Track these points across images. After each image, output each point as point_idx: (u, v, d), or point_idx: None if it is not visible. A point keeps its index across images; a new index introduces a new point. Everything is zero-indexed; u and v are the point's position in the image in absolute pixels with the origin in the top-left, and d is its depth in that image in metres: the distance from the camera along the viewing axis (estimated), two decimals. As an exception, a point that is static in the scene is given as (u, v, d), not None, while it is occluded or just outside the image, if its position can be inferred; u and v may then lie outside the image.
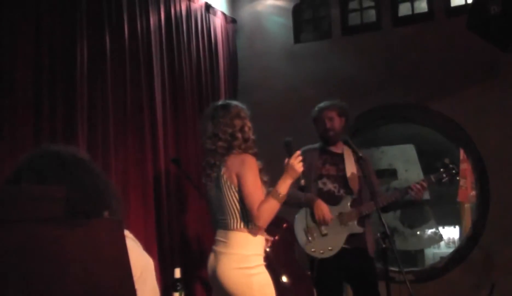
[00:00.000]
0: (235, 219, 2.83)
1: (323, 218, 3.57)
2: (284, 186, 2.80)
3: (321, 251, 3.59)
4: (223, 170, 2.86)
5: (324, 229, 3.60)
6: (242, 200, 2.80)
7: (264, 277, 2.83)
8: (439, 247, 7.47)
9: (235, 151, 2.88)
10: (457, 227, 7.65)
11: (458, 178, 3.48)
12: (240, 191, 2.80)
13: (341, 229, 3.62)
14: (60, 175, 1.42)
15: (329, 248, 3.59)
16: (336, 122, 3.75)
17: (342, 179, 3.70)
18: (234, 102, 3.07)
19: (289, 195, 3.65)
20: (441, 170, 3.69)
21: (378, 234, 3.40)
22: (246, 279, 2.74)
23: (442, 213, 7.34)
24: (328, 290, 3.63)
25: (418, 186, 3.57)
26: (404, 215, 7.27)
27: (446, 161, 3.71)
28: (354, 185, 3.69)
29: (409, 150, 7.25)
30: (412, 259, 7.09)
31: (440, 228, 7.44)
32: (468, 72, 4.93)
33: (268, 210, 2.75)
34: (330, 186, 3.70)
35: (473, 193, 5.92)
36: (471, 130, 4.92)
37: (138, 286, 1.46)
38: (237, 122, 2.92)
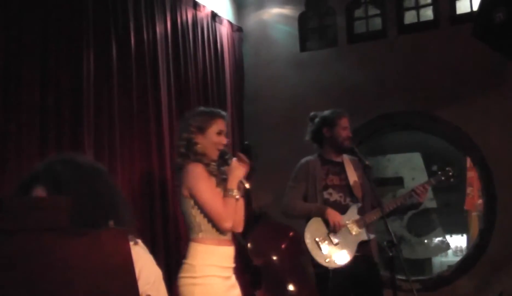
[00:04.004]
0: (191, 230, 2.87)
1: (337, 223, 3.57)
2: (234, 183, 2.84)
3: (335, 261, 3.59)
4: (180, 185, 2.86)
5: (335, 239, 3.61)
6: (195, 211, 2.82)
7: (210, 289, 2.77)
8: (446, 255, 7.43)
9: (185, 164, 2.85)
10: (465, 235, 7.60)
11: (452, 180, 3.84)
12: (197, 203, 2.81)
13: (351, 238, 3.63)
14: (75, 181, 1.44)
15: (342, 257, 3.60)
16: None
17: (346, 188, 3.72)
18: (198, 112, 2.97)
19: (297, 207, 3.73)
20: (439, 172, 3.83)
21: (385, 242, 3.39)
22: (188, 288, 2.78)
23: (449, 221, 7.31)
24: None
25: (421, 188, 3.66)
26: (411, 223, 7.24)
27: (447, 168, 3.85)
28: (358, 193, 3.73)
29: (416, 158, 7.23)
30: (419, 268, 7.05)
31: (448, 236, 7.40)
32: (474, 79, 4.92)
33: (229, 209, 2.80)
34: (336, 196, 3.71)
35: (480, 201, 5.90)
36: (477, 138, 4.90)
37: (152, 292, 1.50)
38: (184, 136, 2.88)
